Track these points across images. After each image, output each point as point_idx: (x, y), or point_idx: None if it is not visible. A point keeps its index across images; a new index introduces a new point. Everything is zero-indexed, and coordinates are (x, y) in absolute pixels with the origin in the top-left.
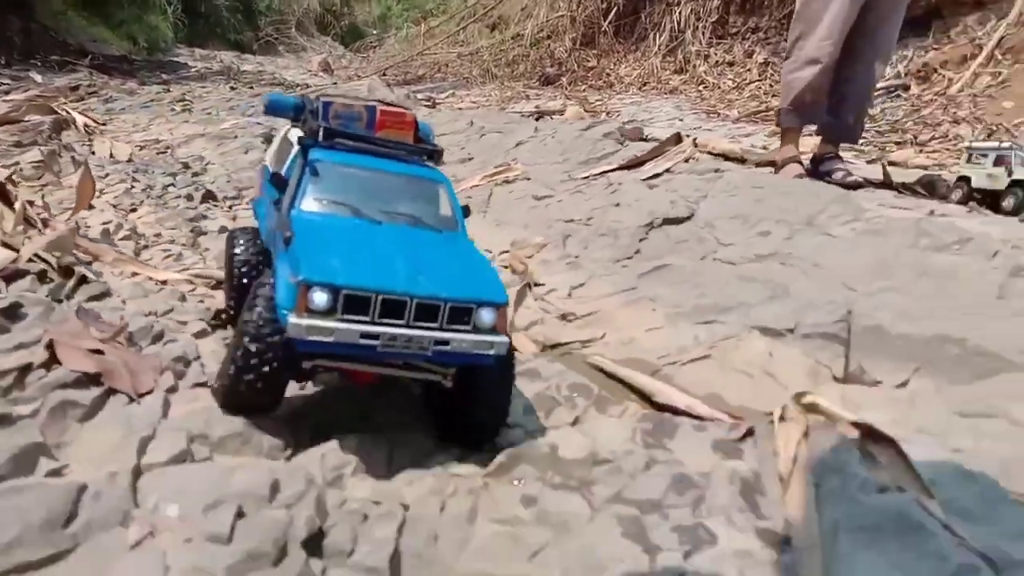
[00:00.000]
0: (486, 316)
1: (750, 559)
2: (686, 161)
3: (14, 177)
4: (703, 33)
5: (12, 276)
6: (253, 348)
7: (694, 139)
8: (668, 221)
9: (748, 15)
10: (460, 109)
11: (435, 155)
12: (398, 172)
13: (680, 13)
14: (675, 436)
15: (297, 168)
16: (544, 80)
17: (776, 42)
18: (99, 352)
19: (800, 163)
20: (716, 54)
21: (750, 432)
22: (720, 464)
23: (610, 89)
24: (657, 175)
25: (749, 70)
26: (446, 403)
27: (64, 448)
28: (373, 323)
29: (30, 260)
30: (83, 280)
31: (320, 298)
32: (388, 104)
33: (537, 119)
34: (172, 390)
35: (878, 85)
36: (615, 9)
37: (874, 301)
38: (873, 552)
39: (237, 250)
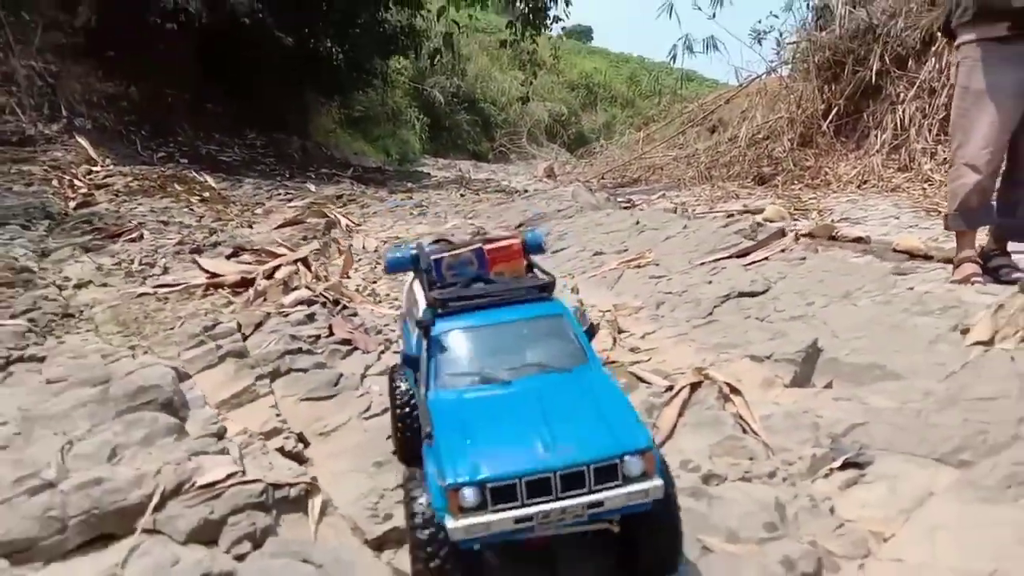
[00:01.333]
0: (634, 466)
1: None
2: (781, 251)
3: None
4: (929, 130)
5: (311, 302)
6: (423, 553)
7: (796, 232)
8: (743, 294)
9: None
10: (641, 209)
11: (549, 288)
12: (515, 319)
13: (904, 111)
14: (633, 391)
15: (424, 350)
16: (759, 180)
17: None
18: (351, 332)
19: (976, 262)
20: (944, 151)
21: (669, 389)
22: (646, 401)
23: (826, 187)
24: (755, 262)
25: None
26: (622, 548)
27: (336, 367)
28: (523, 506)
29: (320, 294)
30: (344, 307)
31: (471, 496)
32: (491, 240)
33: (689, 216)
34: (382, 352)
35: None
36: (835, 109)
37: (842, 343)
38: (696, 435)
39: (398, 386)
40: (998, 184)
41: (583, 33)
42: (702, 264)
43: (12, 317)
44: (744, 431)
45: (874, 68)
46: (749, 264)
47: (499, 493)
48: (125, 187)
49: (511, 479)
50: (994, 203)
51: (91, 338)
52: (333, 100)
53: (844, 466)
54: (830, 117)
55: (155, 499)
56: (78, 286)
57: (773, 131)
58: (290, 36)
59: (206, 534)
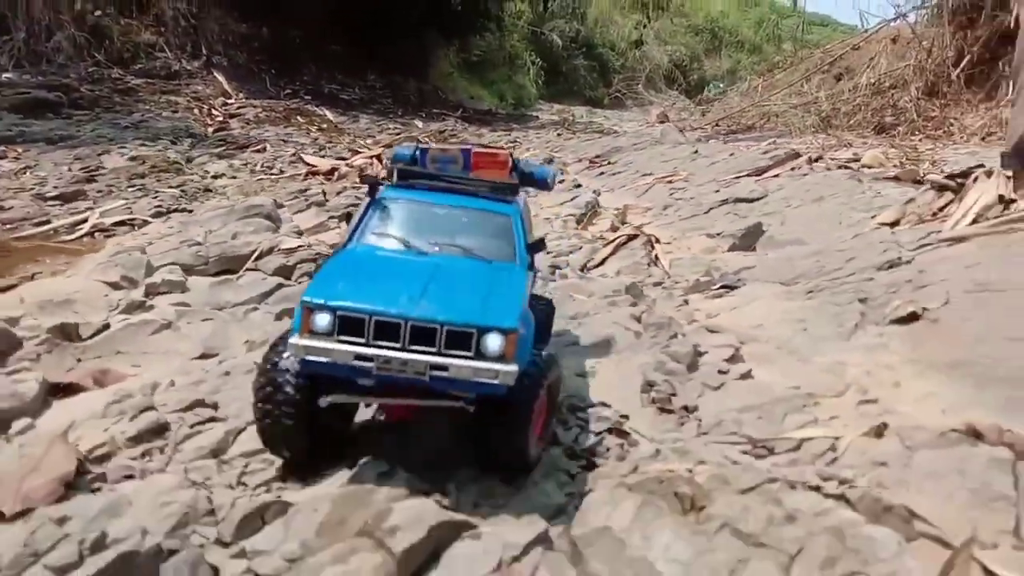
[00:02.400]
0: (491, 342)
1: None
2: (792, 170)
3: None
4: None
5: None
6: (263, 379)
7: (810, 155)
8: (740, 200)
9: None
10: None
11: (508, 190)
12: (464, 207)
13: None
14: (594, 243)
15: (362, 206)
16: (878, 130)
17: None
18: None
19: None
20: None
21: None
22: (595, 246)
23: (948, 139)
24: (766, 177)
25: None
26: (472, 433)
27: None
28: (367, 345)
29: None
30: None
31: (322, 320)
32: (484, 147)
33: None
34: None
35: None
36: (968, 57)
37: (784, 227)
38: (618, 262)
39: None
40: None
41: None
42: (723, 180)
43: (169, 187)
44: (653, 263)
45: (1016, 12)
46: (760, 179)
47: (347, 325)
48: (255, 117)
49: (361, 314)
50: None
51: (223, 201)
52: (451, 44)
53: (720, 289)
54: (961, 65)
55: (256, 253)
56: (215, 177)
57: (899, 79)
58: None
59: (283, 272)
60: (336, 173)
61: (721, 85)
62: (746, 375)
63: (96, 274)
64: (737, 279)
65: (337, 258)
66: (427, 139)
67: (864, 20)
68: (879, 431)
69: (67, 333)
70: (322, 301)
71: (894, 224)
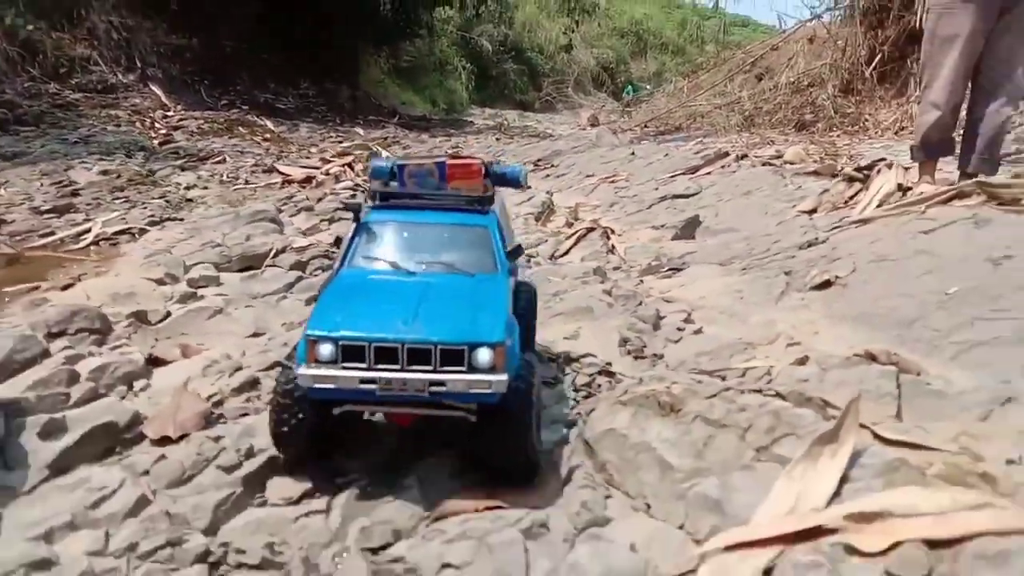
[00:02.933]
0: (482, 356)
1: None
2: (722, 167)
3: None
4: None
5: (354, 187)
6: (279, 402)
7: (737, 154)
8: (677, 196)
9: None
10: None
11: (484, 201)
12: (443, 223)
13: None
14: (556, 236)
15: (349, 231)
16: (799, 127)
17: None
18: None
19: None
20: None
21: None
22: (559, 238)
23: (863, 134)
24: (699, 175)
25: None
26: (474, 441)
27: None
28: (369, 369)
29: (359, 184)
30: None
31: (325, 349)
32: (456, 157)
33: (723, 156)
34: None
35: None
36: (879, 56)
37: (718, 218)
38: (580, 251)
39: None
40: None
41: None
42: (661, 179)
43: (152, 199)
44: (611, 252)
45: (919, 13)
46: (694, 176)
47: (349, 352)
48: (198, 128)
49: (361, 341)
50: (957, 138)
51: (210, 210)
52: (382, 51)
53: (669, 271)
54: (874, 63)
55: (272, 251)
56: (188, 187)
57: (817, 78)
58: None
59: (299, 267)
60: (313, 181)
61: (643, 87)
62: (698, 331)
63: (141, 272)
64: (682, 262)
65: (332, 287)
66: (374, 147)
67: (782, 21)
68: (802, 360)
69: (141, 319)
70: (324, 333)
71: (812, 212)
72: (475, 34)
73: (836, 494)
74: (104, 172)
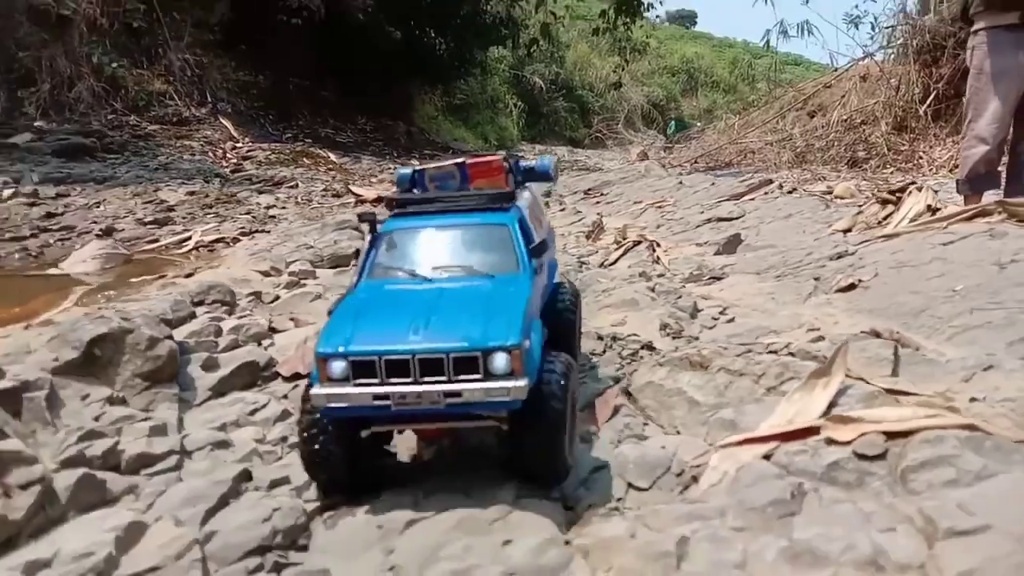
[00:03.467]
0: (498, 362)
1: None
2: (765, 194)
3: None
4: None
5: None
6: (303, 426)
7: (780, 184)
8: (721, 219)
9: None
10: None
11: (504, 198)
12: (461, 224)
13: None
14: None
15: (366, 243)
16: (851, 164)
17: None
18: None
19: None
20: None
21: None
22: (607, 250)
23: (917, 171)
24: (743, 200)
25: None
26: (508, 448)
27: None
28: (382, 384)
29: None
30: None
31: (337, 367)
32: (477, 155)
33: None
34: None
35: None
36: (934, 93)
37: (759, 236)
38: (628, 261)
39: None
40: (1006, 156)
41: (687, 18)
42: (706, 204)
43: (240, 215)
44: (656, 262)
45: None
46: (738, 201)
47: (361, 368)
48: (266, 159)
49: (371, 356)
50: (1002, 171)
51: (294, 224)
52: (436, 88)
53: (709, 279)
54: (928, 101)
55: (357, 252)
56: (267, 207)
57: (870, 115)
58: (398, 30)
59: None
60: (383, 200)
61: (690, 123)
62: (730, 320)
63: (250, 265)
64: (722, 272)
65: (344, 303)
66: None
67: (833, 59)
68: (816, 339)
69: (259, 297)
70: (334, 350)
71: (847, 231)
72: (527, 72)
73: (825, 413)
74: (190, 193)
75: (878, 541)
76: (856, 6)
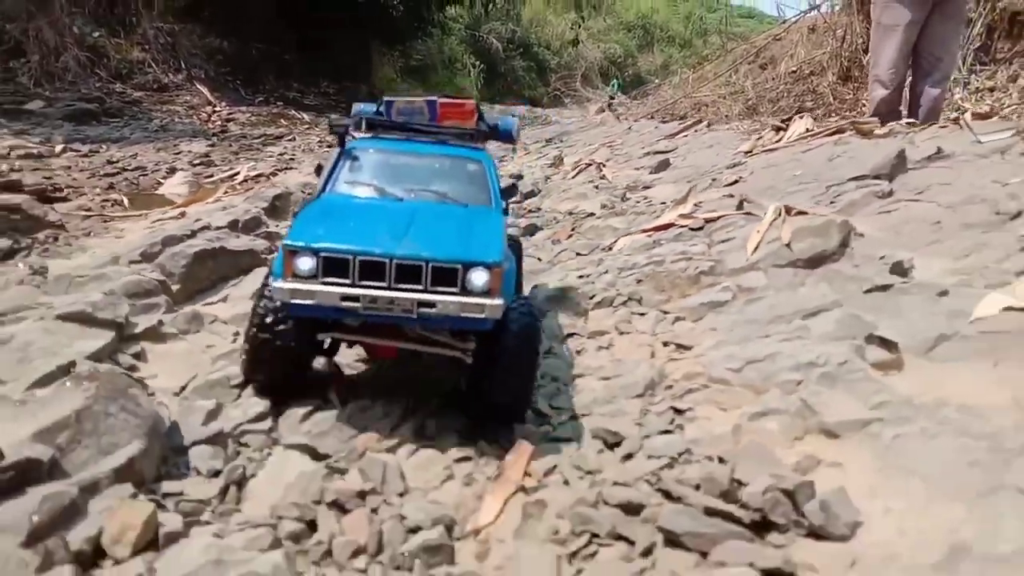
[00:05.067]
0: (476, 278)
1: None
2: (695, 131)
3: None
4: (963, 60)
5: None
6: (261, 321)
7: (707, 121)
8: (658, 152)
9: (1016, 39)
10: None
11: (477, 136)
12: (435, 153)
13: None
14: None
15: (332, 156)
16: (799, 113)
17: None
18: None
19: None
20: (978, 80)
21: (587, 166)
22: (565, 172)
23: (860, 117)
24: (677, 136)
25: (1009, 95)
26: (468, 381)
27: None
28: (353, 285)
29: None
30: None
31: (305, 263)
32: (449, 96)
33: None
34: None
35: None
36: None
37: (684, 161)
38: (578, 179)
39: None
40: (907, 93)
41: None
42: (648, 142)
43: (268, 157)
44: (602, 177)
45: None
46: (673, 138)
47: (332, 265)
48: (247, 120)
49: (345, 254)
50: (903, 109)
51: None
52: (394, 50)
53: (642, 188)
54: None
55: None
56: (281, 155)
57: (817, 66)
58: None
59: None
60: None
61: (618, 83)
62: (646, 199)
63: (301, 181)
64: (650, 183)
65: (313, 205)
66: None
67: (781, 12)
68: (697, 205)
69: None
70: (304, 244)
71: (749, 152)
72: (483, 32)
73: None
74: (210, 146)
75: (685, 250)
76: None
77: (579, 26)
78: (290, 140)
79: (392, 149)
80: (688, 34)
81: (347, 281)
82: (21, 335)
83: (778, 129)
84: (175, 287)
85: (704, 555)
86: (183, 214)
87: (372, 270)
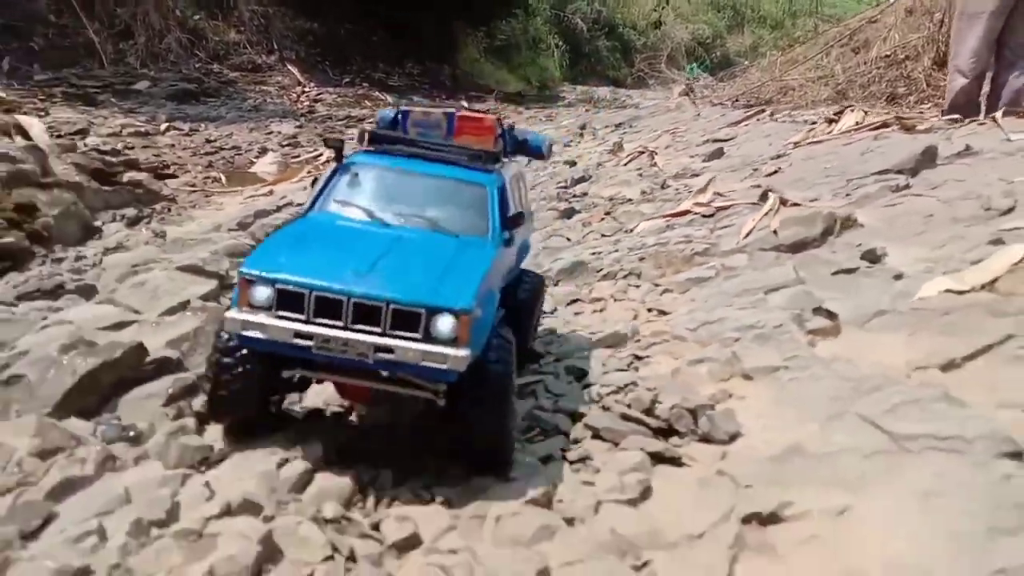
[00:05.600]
0: (442, 324)
1: None
2: (757, 120)
3: None
4: None
5: None
6: (217, 355)
7: (772, 111)
8: (717, 140)
9: None
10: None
11: (489, 158)
12: (437, 175)
13: None
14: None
15: (327, 171)
16: (890, 99)
17: None
18: None
19: None
20: None
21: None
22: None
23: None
24: (739, 125)
25: None
26: (445, 424)
27: None
28: (308, 322)
29: None
30: None
31: (260, 293)
32: (470, 110)
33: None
34: None
35: None
36: None
37: (738, 150)
38: (630, 167)
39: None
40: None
41: None
42: (710, 130)
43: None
44: (653, 165)
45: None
46: (735, 126)
47: (287, 299)
48: (334, 101)
49: (301, 288)
50: (983, 101)
51: None
52: (479, 30)
53: (691, 176)
54: None
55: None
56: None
57: (912, 51)
58: None
59: None
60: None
61: (697, 68)
62: (685, 187)
63: None
64: (700, 171)
65: (290, 226)
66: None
67: None
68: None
69: None
70: (260, 273)
71: (798, 143)
72: (568, 12)
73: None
74: (298, 127)
75: (690, 234)
76: None
77: (665, 5)
78: (371, 122)
79: (392, 167)
80: (780, 14)
81: (302, 317)
82: (152, 280)
83: (830, 121)
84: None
85: (616, 444)
86: (271, 192)
87: (329, 307)
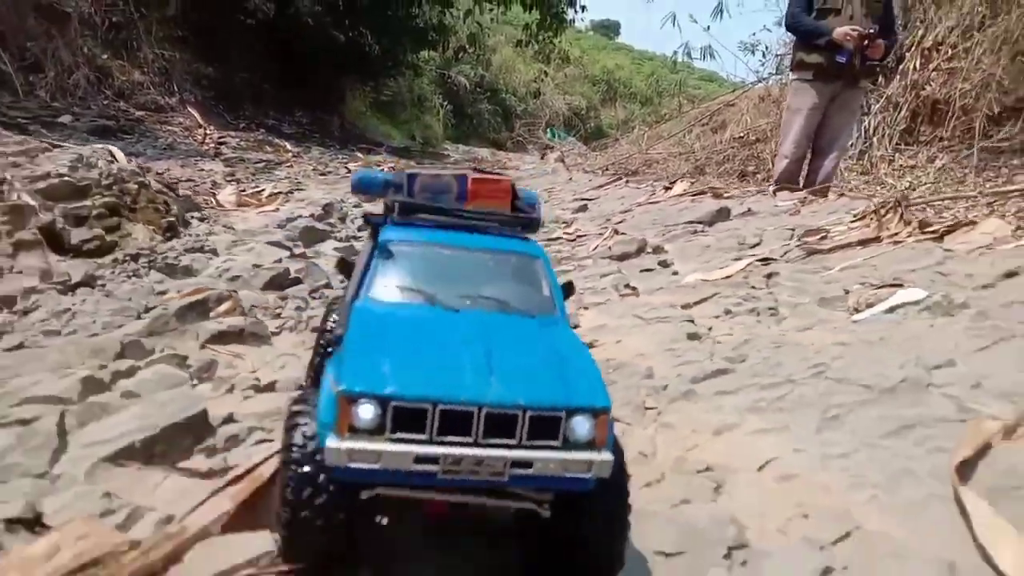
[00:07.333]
0: (580, 427)
1: None
2: (615, 186)
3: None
4: (889, 139)
5: None
6: (298, 481)
7: (625, 180)
8: (584, 199)
9: (936, 125)
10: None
11: (532, 225)
12: (485, 248)
13: (870, 122)
14: None
15: (365, 251)
16: (741, 176)
17: (958, 150)
18: None
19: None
20: (901, 159)
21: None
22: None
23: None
24: (601, 189)
25: (927, 173)
26: (544, 539)
27: None
28: (431, 442)
29: None
30: None
31: (367, 412)
32: (482, 171)
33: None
34: None
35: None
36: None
37: (599, 207)
38: None
39: (330, 323)
40: (806, 166)
41: (610, 28)
42: (579, 192)
43: (281, 179)
44: None
45: None
46: (598, 190)
47: (404, 417)
48: (238, 145)
49: (423, 402)
50: (802, 178)
51: (322, 186)
52: (366, 85)
53: (563, 224)
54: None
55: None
56: (286, 178)
57: (762, 134)
58: (339, 32)
59: None
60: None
61: (564, 134)
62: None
63: (323, 198)
64: (570, 219)
65: (358, 323)
66: (384, 167)
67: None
68: (576, 231)
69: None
70: (366, 390)
71: (641, 203)
72: (453, 73)
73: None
74: (229, 165)
75: (559, 249)
76: (753, 34)
77: (545, 75)
78: (288, 167)
79: (432, 241)
80: (650, 92)
81: (423, 436)
82: (256, 249)
83: (667, 188)
84: (299, 241)
85: None
86: (277, 209)
87: (455, 421)
